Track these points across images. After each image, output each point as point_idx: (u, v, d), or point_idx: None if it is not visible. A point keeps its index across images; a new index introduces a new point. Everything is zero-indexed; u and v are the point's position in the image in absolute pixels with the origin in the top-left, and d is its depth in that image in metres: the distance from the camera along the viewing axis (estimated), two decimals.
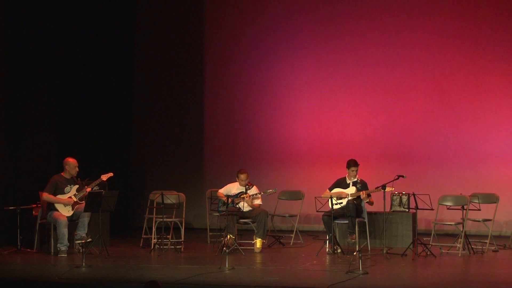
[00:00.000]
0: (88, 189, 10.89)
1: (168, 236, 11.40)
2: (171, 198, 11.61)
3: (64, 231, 10.67)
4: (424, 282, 9.16)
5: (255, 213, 11.24)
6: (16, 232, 11.16)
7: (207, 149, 14.35)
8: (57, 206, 10.89)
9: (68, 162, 11.08)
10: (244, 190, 11.36)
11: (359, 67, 13.56)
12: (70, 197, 10.96)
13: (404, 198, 11.48)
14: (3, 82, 11.77)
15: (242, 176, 11.37)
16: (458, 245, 10.81)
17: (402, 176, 10.82)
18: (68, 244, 10.73)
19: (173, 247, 11.26)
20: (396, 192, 11.49)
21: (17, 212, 11.15)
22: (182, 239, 11.43)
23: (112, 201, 10.90)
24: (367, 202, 11.08)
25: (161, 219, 11.18)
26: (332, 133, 13.68)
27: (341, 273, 9.13)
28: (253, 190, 11.39)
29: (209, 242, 12.03)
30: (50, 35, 12.73)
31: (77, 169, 11.09)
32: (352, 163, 11.14)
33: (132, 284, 8.79)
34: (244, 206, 11.31)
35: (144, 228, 11.81)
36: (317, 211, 10.92)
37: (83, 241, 10.53)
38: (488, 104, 13.00)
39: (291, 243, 11.88)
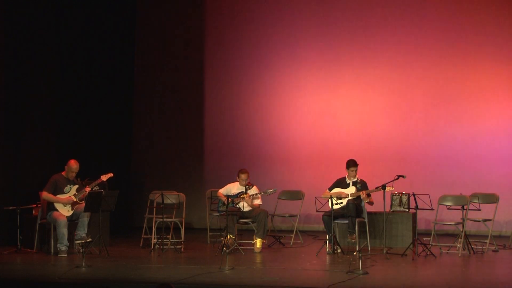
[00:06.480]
0: (88, 189, 10.88)
1: (168, 236, 11.40)
2: (171, 198, 11.61)
3: (63, 231, 10.67)
4: (424, 282, 9.15)
5: (255, 213, 11.24)
6: (16, 232, 11.15)
7: (207, 149, 14.35)
8: (56, 205, 10.88)
9: (68, 164, 11.04)
10: (244, 190, 11.36)
11: (360, 67, 13.55)
12: (69, 197, 10.95)
13: (404, 198, 11.48)
14: (3, 82, 11.77)
15: (243, 176, 11.37)
16: (458, 245, 10.81)
17: (402, 176, 10.82)
18: (68, 244, 10.73)
19: (173, 247, 11.26)
20: (396, 192, 11.49)
21: (17, 212, 11.15)
22: (182, 239, 11.43)
23: (112, 201, 10.90)
24: (367, 202, 11.08)
25: (161, 219, 11.19)
26: (332, 133, 13.68)
27: (341, 273, 9.14)
28: (253, 190, 11.39)
29: (209, 242, 12.03)
30: (50, 34, 12.73)
31: (74, 174, 11.03)
32: (351, 163, 11.14)
33: (132, 284, 8.79)
34: (244, 206, 11.31)
35: (144, 228, 11.81)
36: (317, 211, 10.92)
37: (83, 241, 10.54)
38: (488, 104, 13.00)
39: (291, 243, 11.88)
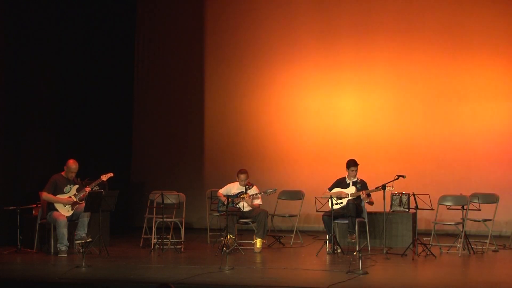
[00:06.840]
0: (88, 189, 10.88)
1: (168, 236, 11.40)
2: (171, 198, 11.61)
3: (63, 231, 10.66)
4: (424, 282, 9.16)
5: (255, 213, 11.24)
6: (16, 232, 11.15)
7: (207, 149, 14.35)
8: (56, 205, 10.88)
9: (67, 164, 11.03)
10: (244, 190, 11.36)
11: (359, 67, 13.56)
12: (69, 197, 10.95)
13: (404, 198, 11.47)
14: (3, 82, 11.78)
15: (242, 176, 11.37)
16: (458, 245, 10.81)
17: (402, 176, 10.81)
18: (68, 244, 10.73)
19: (173, 247, 11.26)
20: (396, 192, 11.48)
21: (17, 212, 11.14)
22: (182, 239, 11.43)
23: (112, 201, 10.90)
24: (367, 202, 11.08)
25: (161, 219, 11.18)
26: (332, 133, 13.68)
27: (341, 273, 9.13)
28: (253, 190, 11.39)
29: (209, 242, 12.03)
30: (50, 34, 12.74)
31: (73, 174, 11.02)
32: (351, 163, 11.14)
33: (132, 284, 8.79)
34: (244, 206, 11.31)
35: (144, 228, 11.81)
36: (317, 211, 10.92)
37: (83, 241, 10.54)
38: (488, 104, 13.00)
39: (291, 243, 11.88)
